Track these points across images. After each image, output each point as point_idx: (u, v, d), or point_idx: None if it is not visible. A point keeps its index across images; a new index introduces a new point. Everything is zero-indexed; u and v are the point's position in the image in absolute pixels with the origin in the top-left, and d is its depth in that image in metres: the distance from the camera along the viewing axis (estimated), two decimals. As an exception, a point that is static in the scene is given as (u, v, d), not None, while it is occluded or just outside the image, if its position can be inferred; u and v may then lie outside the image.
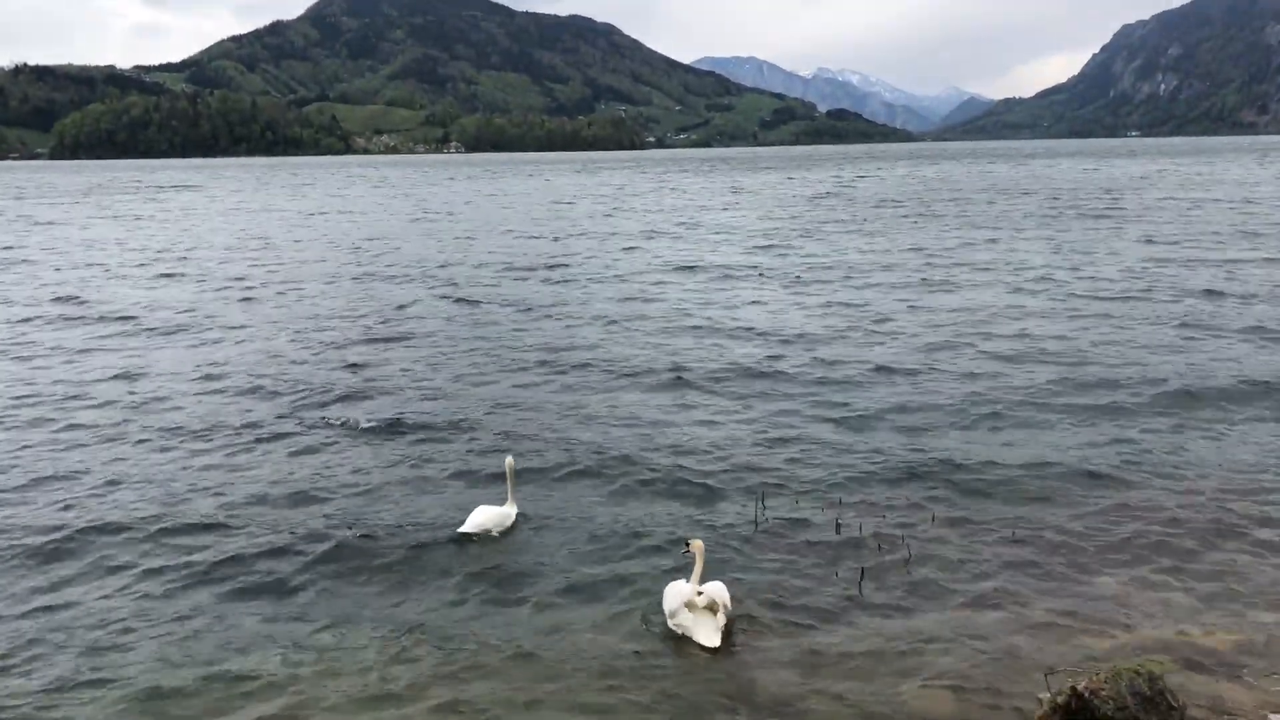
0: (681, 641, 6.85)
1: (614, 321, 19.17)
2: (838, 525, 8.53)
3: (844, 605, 7.22)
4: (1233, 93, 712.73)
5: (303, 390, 14.00)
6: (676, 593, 7.08)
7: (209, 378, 15.00)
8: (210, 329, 19.17)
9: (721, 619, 6.98)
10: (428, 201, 63.99)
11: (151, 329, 19.36)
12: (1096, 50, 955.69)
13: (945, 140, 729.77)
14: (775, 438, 11.21)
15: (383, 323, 19.34)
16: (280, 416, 12.67)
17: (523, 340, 17.42)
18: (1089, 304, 19.57)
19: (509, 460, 9.22)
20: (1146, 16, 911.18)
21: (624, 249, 31.84)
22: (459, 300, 22.19)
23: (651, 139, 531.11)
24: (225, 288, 24.94)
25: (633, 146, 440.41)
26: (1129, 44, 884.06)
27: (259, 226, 44.52)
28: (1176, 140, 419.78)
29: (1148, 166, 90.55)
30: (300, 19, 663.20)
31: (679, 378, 14.19)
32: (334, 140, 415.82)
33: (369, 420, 12.26)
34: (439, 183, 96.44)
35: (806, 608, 7.20)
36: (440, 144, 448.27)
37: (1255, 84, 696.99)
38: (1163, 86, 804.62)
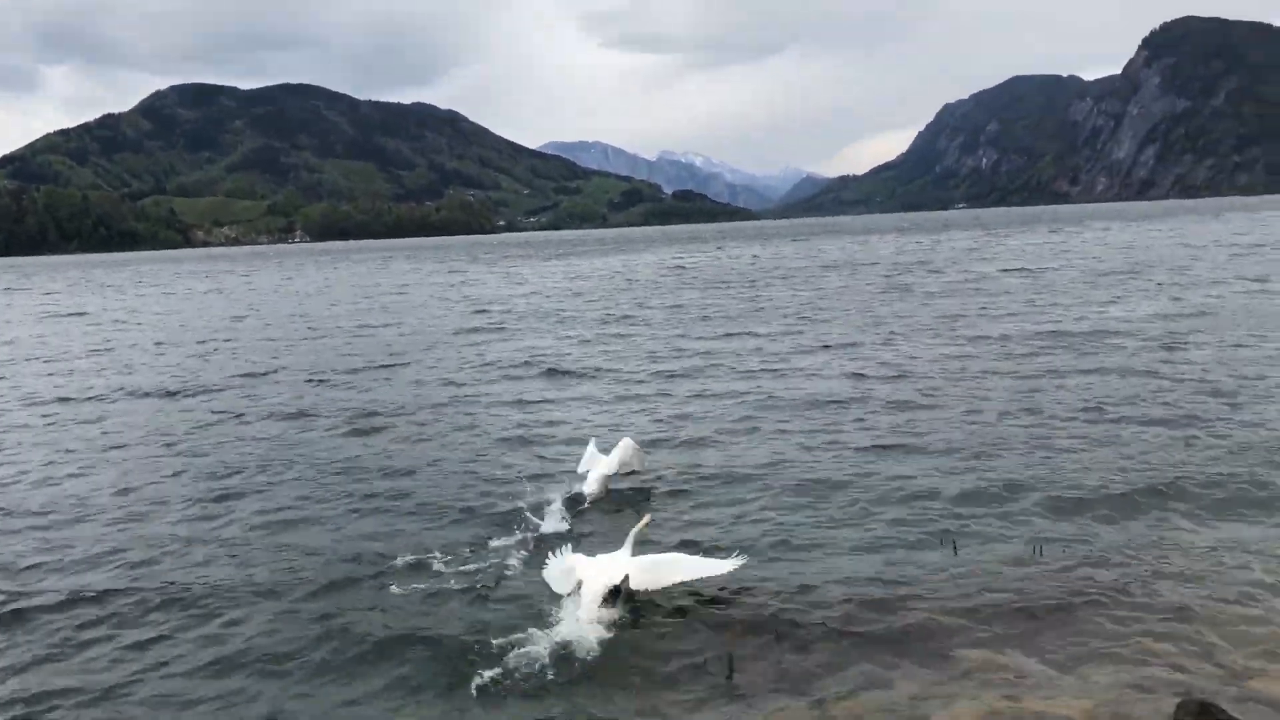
0: None
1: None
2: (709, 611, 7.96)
3: (704, 696, 6.74)
4: (1047, 165, 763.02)
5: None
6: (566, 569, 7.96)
7: None
8: None
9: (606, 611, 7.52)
10: (233, 294, 58.70)
11: None
12: (922, 128, 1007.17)
13: (786, 218, 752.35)
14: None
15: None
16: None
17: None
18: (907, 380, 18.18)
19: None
20: (965, 96, 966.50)
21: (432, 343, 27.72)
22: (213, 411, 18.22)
23: (502, 222, 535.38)
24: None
25: (483, 230, 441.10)
26: (951, 122, 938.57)
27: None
28: (997, 211, 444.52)
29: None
30: (133, 111, 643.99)
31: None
32: (172, 233, 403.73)
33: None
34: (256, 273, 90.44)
35: (666, 699, 6.70)
36: (284, 234, 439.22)
37: (1066, 157, 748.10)
38: (984, 160, 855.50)
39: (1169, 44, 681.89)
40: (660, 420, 15.63)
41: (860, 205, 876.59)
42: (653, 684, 6.82)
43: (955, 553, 9.02)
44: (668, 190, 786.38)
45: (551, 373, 20.92)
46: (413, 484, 12.31)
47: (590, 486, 11.06)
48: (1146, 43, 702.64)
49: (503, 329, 30.72)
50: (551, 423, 15.82)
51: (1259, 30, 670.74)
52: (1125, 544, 9.17)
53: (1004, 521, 9.93)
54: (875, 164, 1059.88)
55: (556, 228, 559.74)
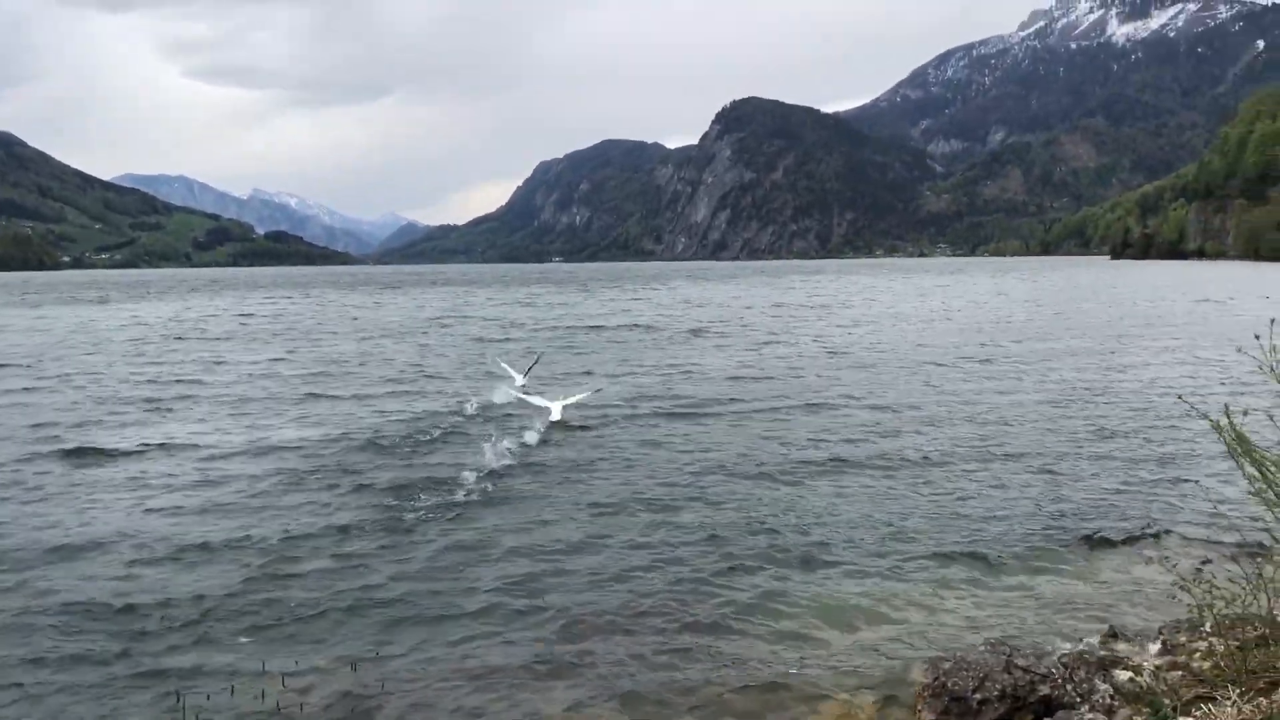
0: None
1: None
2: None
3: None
4: (635, 224, 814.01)
5: None
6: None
7: None
8: None
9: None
10: None
11: None
12: (520, 184, 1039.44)
13: (386, 263, 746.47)
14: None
15: None
16: None
17: None
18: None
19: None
20: (560, 155, 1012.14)
21: None
22: None
23: (67, 259, 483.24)
24: None
25: (43, 267, 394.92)
26: (547, 179, 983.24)
27: None
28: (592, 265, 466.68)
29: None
30: None
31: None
32: None
33: None
34: None
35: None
36: None
37: (651, 218, 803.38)
38: (578, 217, 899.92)
39: (738, 120, 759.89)
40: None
41: (462, 255, 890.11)
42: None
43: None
44: (260, 230, 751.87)
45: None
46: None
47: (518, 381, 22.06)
48: (719, 118, 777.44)
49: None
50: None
51: (810, 114, 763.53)
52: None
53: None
54: (476, 215, 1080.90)
55: (133, 265, 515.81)
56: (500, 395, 20.50)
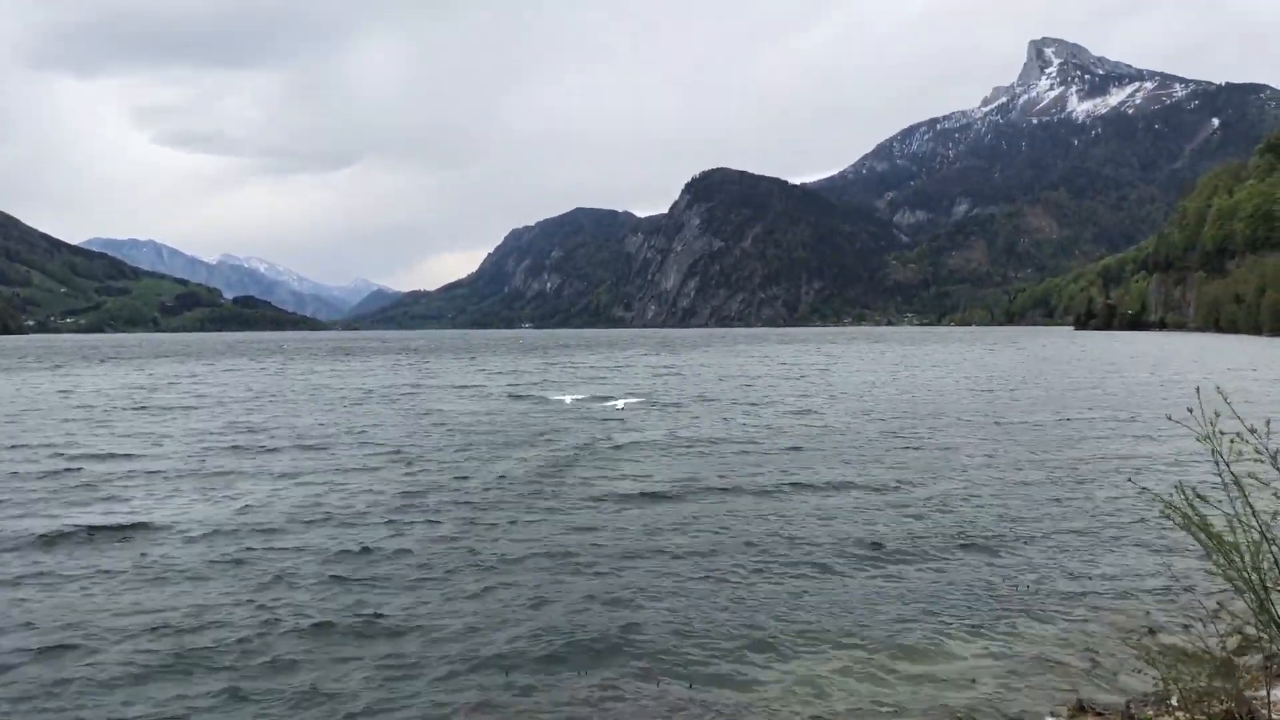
0: None
1: None
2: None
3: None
4: (605, 291, 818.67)
5: None
6: None
7: None
8: None
9: None
10: None
11: None
12: (491, 250, 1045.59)
13: (356, 329, 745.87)
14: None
15: None
16: None
17: None
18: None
19: None
20: (531, 223, 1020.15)
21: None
22: None
23: (31, 322, 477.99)
24: None
25: (8, 331, 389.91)
26: (519, 246, 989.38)
27: None
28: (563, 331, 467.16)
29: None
30: None
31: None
32: None
33: None
34: None
35: None
36: None
37: (621, 285, 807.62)
38: (549, 284, 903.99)
39: (706, 190, 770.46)
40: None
41: (433, 320, 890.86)
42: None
43: None
44: (229, 295, 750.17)
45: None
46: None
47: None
48: (688, 188, 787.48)
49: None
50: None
51: (778, 184, 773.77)
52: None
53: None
54: (447, 281, 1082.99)
55: (99, 330, 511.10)
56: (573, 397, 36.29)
